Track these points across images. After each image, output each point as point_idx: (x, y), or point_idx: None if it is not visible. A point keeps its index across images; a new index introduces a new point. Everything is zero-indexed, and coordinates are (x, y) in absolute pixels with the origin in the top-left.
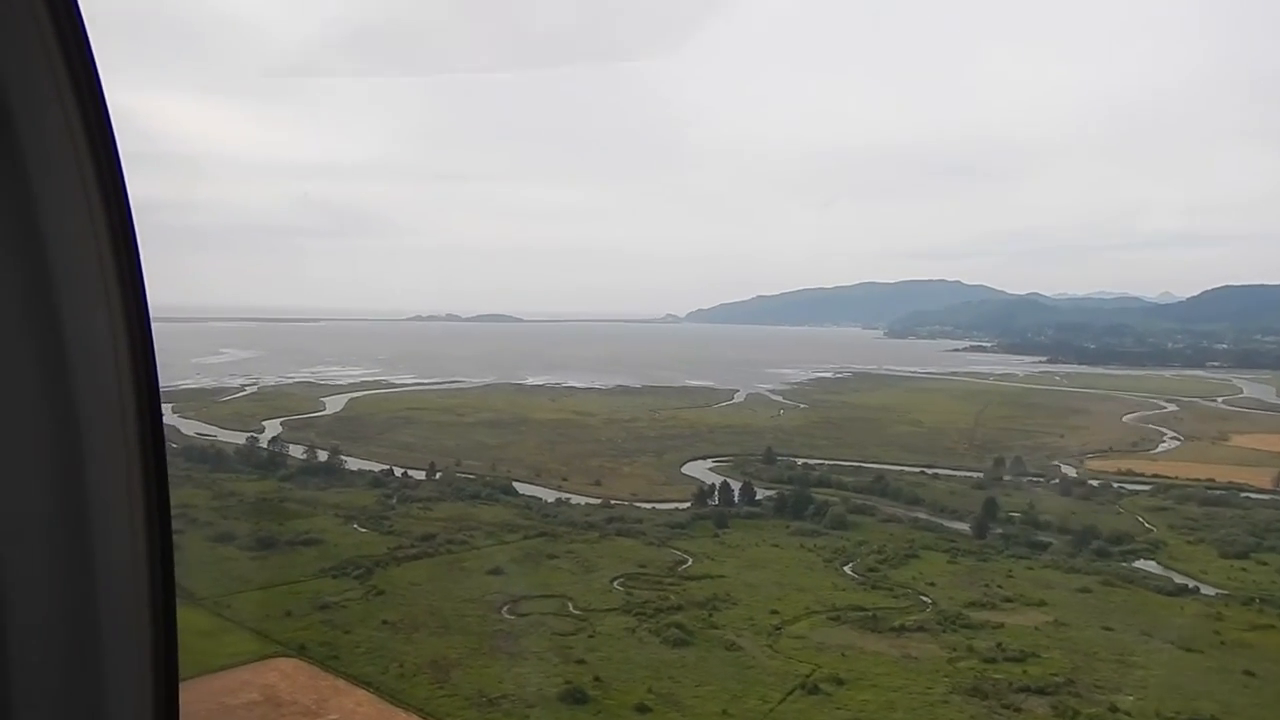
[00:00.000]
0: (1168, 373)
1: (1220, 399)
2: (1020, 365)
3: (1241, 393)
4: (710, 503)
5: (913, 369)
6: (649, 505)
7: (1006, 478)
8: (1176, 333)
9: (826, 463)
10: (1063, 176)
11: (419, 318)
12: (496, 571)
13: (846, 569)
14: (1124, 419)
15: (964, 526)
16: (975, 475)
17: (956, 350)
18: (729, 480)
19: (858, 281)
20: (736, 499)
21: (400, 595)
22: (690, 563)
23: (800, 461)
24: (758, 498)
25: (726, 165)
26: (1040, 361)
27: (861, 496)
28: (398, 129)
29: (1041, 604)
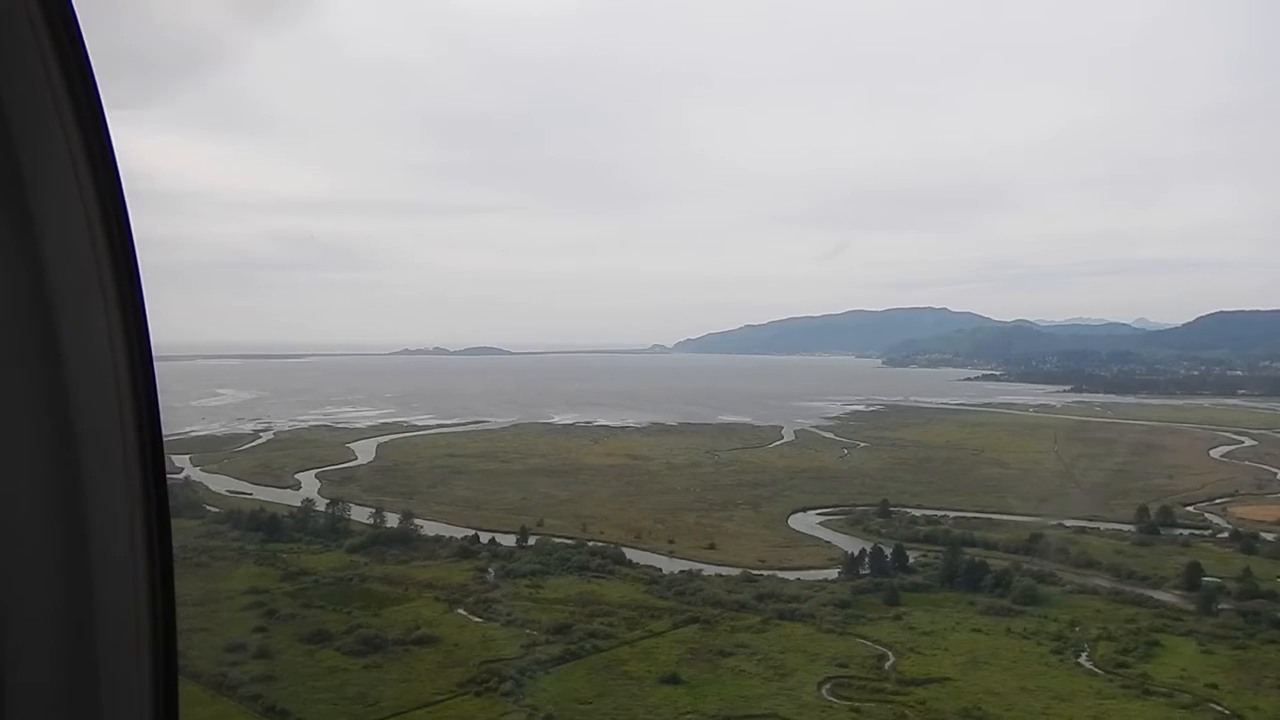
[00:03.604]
0: (1206, 401)
1: None
2: (1045, 395)
3: None
4: (862, 571)
5: (941, 400)
6: (789, 575)
7: (1162, 531)
8: (1182, 359)
9: (947, 514)
10: (1041, 206)
11: (407, 351)
12: (673, 680)
13: (1084, 662)
14: (1211, 454)
15: (1169, 597)
16: (1123, 528)
17: (970, 379)
18: (848, 535)
19: (846, 310)
20: (889, 566)
21: None
22: (894, 658)
23: (917, 513)
24: (910, 562)
25: (712, 196)
26: (1065, 391)
27: (1022, 558)
28: (382, 163)
29: None
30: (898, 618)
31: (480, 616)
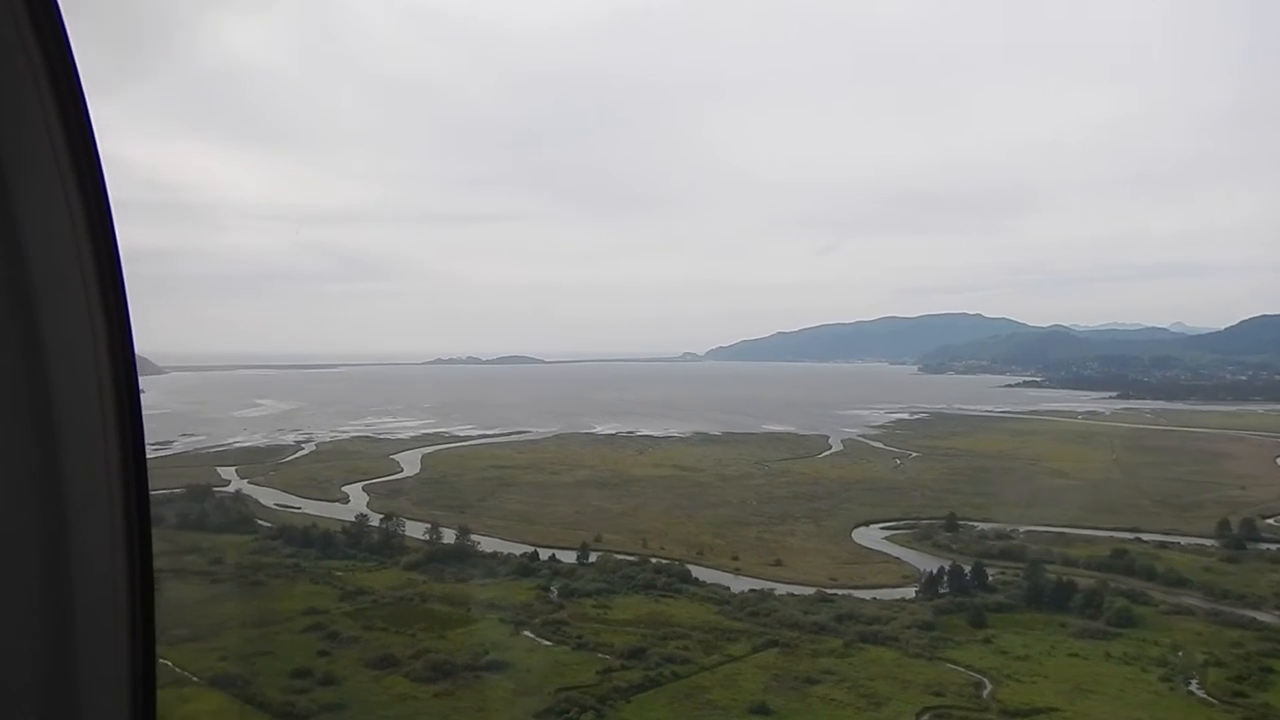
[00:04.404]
0: (1259, 408)
1: None
2: (1090, 401)
3: None
4: (941, 591)
5: (985, 408)
6: (865, 595)
7: (1247, 545)
8: (1225, 364)
9: (1016, 528)
10: (1072, 209)
11: (440, 360)
12: (762, 710)
13: (1196, 690)
14: (1279, 463)
15: (1271, 619)
16: (1205, 543)
17: (1011, 386)
18: (916, 550)
19: (879, 316)
20: (969, 584)
21: None
22: (991, 686)
23: (984, 527)
24: (990, 580)
25: (741, 203)
26: (1110, 397)
27: (1108, 576)
28: (413, 173)
29: None
30: (986, 640)
31: (549, 639)
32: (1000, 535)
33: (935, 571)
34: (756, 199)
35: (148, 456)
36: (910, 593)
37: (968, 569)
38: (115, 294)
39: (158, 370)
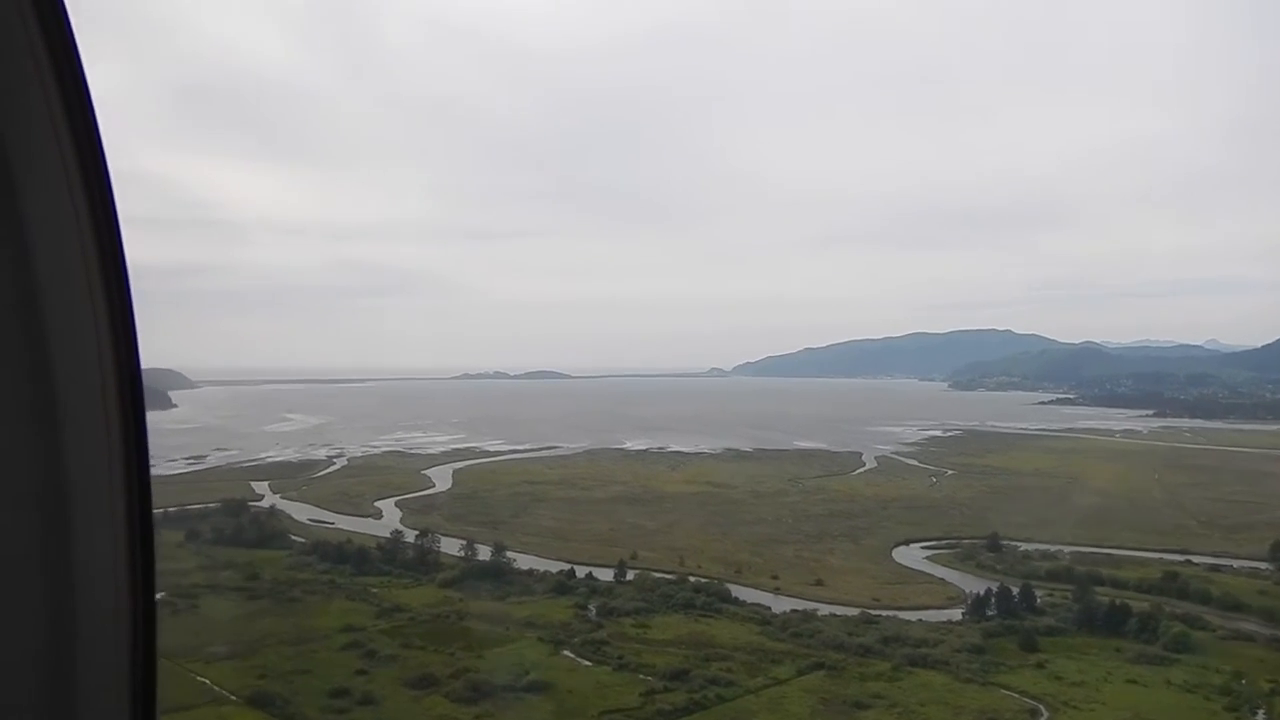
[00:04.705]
0: None
1: None
2: (1126, 419)
3: None
4: (988, 613)
5: (1020, 425)
6: (910, 616)
7: None
8: (1264, 382)
9: (1060, 548)
10: (1102, 224)
11: (467, 375)
12: None
13: None
14: None
15: None
16: (1259, 565)
17: (1043, 403)
18: (959, 571)
19: (907, 332)
20: (1016, 606)
21: None
22: (1047, 714)
23: (1028, 547)
24: (1038, 603)
25: (770, 218)
26: (1146, 415)
27: (1161, 599)
28: (441, 188)
29: None
30: (1039, 665)
31: (589, 659)
32: (1045, 556)
33: (982, 593)
34: (784, 215)
35: (151, 463)
36: (957, 615)
37: (1015, 591)
38: (121, 299)
39: (191, 385)
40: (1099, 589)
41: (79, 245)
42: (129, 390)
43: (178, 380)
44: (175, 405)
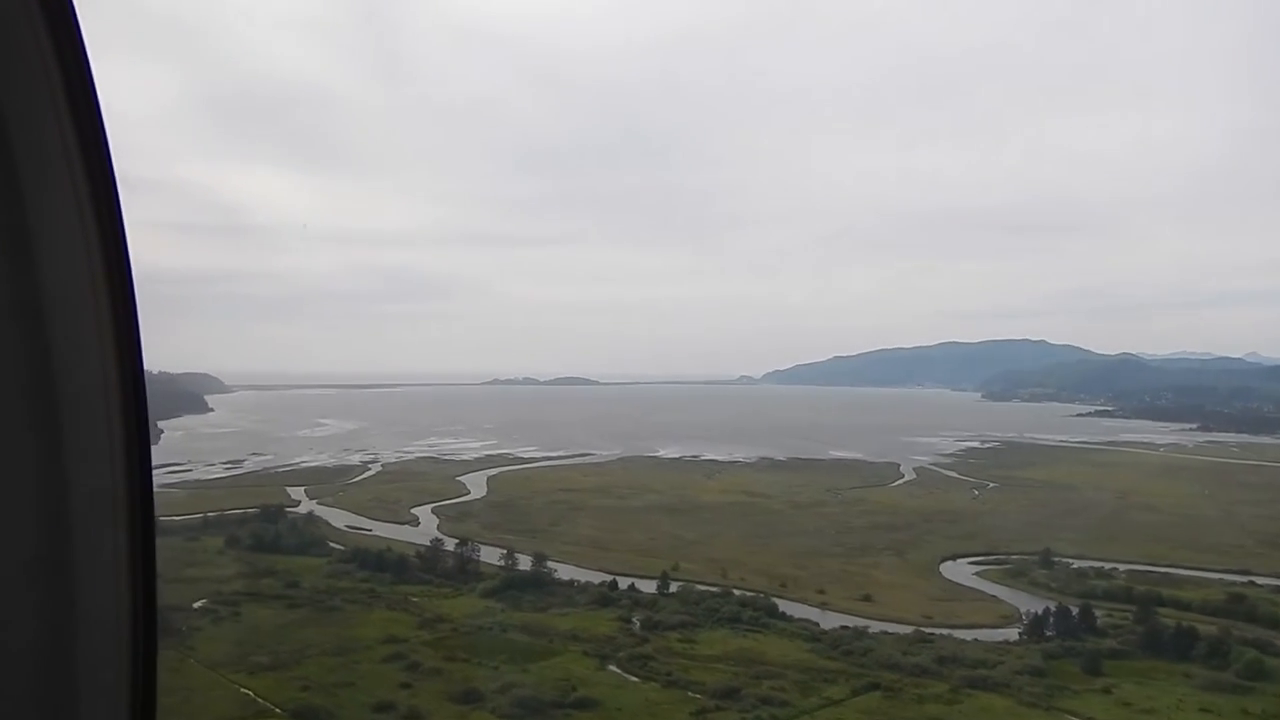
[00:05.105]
0: None
1: None
2: (1169, 433)
3: None
4: (1047, 633)
5: (1060, 438)
6: (965, 635)
7: None
8: None
9: (1115, 566)
10: (1138, 235)
11: (496, 381)
12: None
13: None
14: None
15: None
16: None
17: (1082, 415)
18: (1009, 588)
19: (938, 341)
20: (1076, 627)
21: None
22: None
23: (1081, 564)
24: (1098, 623)
25: (799, 226)
26: (1190, 429)
27: (1228, 622)
28: (471, 194)
29: None
30: (1106, 690)
31: (636, 674)
32: (1100, 574)
33: (1039, 612)
34: (813, 222)
35: (153, 465)
36: (1013, 634)
37: (1074, 610)
38: (125, 303)
39: (225, 389)
40: (1159, 610)
41: (84, 249)
42: (132, 393)
43: (212, 384)
44: (211, 409)
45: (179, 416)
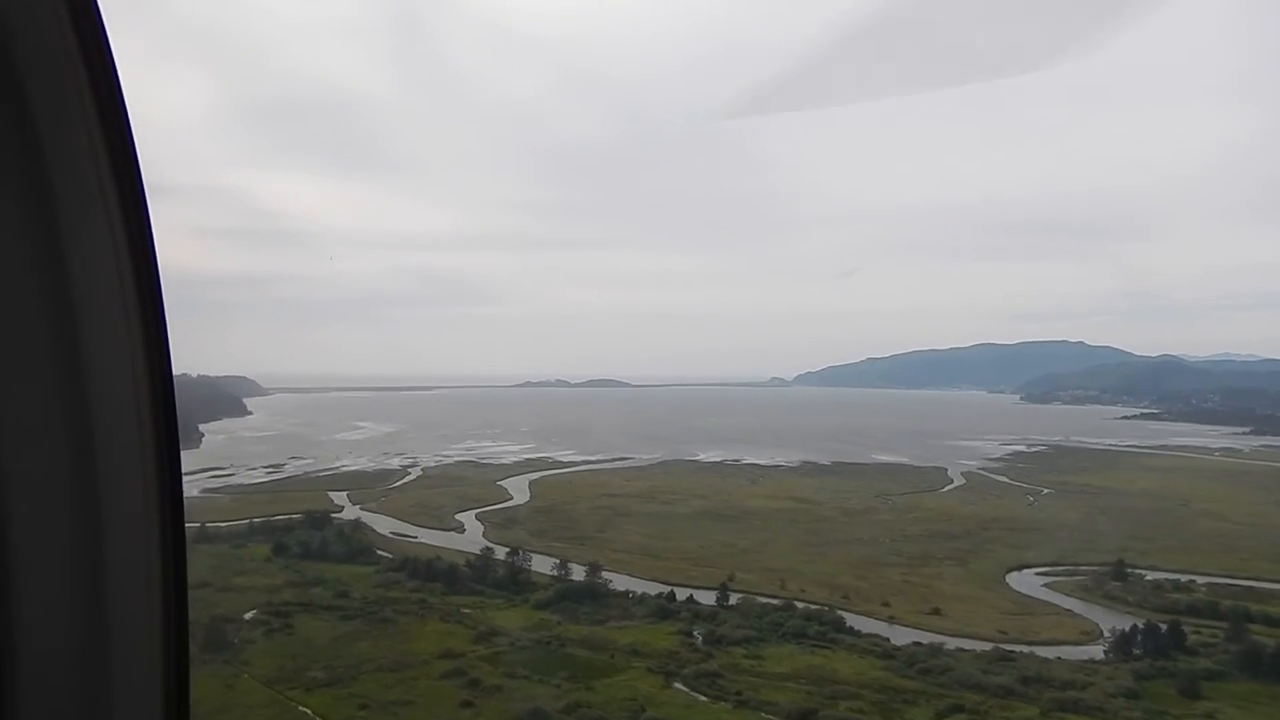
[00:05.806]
0: None
1: None
2: (1221, 437)
3: None
4: (1134, 651)
5: (1109, 441)
6: (1047, 653)
7: None
8: None
9: (1192, 578)
10: (1178, 234)
11: (529, 383)
12: None
13: None
14: None
15: None
16: None
17: (1127, 418)
18: (1083, 601)
19: (974, 343)
20: (1165, 645)
21: None
22: None
23: (1155, 576)
24: (1188, 642)
25: (833, 228)
26: (1243, 433)
27: None
28: (504, 198)
29: None
30: (1209, 716)
31: (704, 693)
32: (1177, 587)
33: (1126, 629)
34: (848, 224)
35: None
36: (1097, 652)
37: (1163, 627)
38: (153, 307)
39: (263, 392)
40: (1251, 626)
41: (112, 251)
42: (161, 395)
43: (251, 387)
44: (250, 412)
45: (219, 420)
